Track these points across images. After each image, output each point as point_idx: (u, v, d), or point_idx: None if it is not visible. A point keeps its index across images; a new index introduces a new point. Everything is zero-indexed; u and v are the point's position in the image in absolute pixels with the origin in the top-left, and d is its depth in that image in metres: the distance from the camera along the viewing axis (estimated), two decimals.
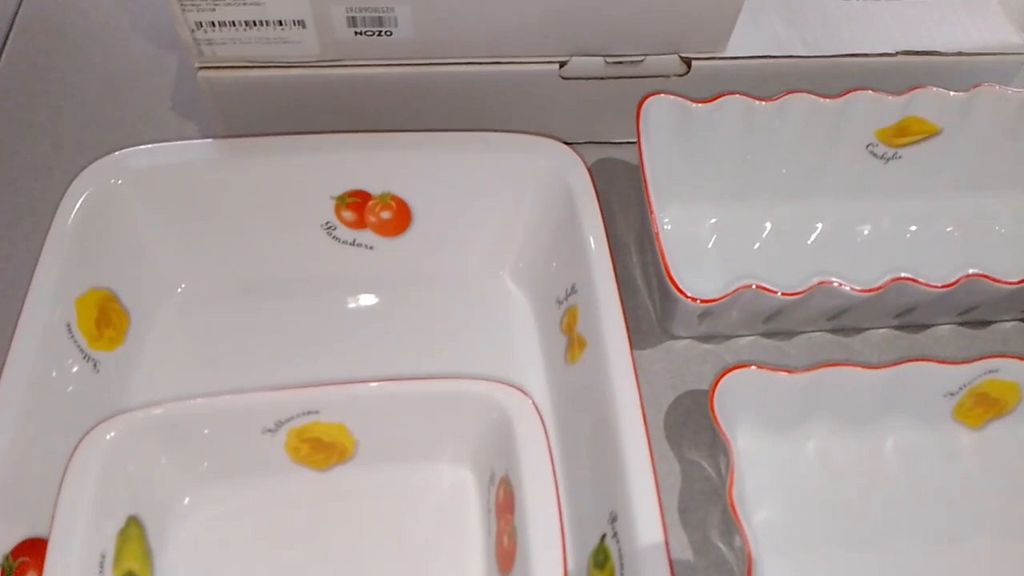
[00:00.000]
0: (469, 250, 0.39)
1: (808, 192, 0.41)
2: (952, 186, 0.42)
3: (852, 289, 0.33)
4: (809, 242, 0.41)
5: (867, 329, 0.39)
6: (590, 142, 0.44)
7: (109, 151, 0.36)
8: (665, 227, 0.40)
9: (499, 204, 0.38)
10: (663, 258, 0.33)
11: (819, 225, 0.41)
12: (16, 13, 0.49)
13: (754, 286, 0.32)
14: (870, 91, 0.38)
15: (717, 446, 0.34)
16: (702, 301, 0.33)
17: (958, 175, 0.41)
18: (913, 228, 0.42)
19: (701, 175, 0.40)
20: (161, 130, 0.44)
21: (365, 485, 0.33)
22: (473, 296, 0.39)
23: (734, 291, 0.32)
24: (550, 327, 0.37)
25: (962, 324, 0.39)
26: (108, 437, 0.29)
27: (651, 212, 0.35)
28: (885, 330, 0.39)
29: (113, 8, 0.49)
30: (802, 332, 0.39)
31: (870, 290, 0.33)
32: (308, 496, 0.33)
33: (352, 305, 0.38)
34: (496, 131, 0.38)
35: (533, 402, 0.31)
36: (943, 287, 0.34)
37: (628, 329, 0.32)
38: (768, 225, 0.41)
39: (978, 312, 0.38)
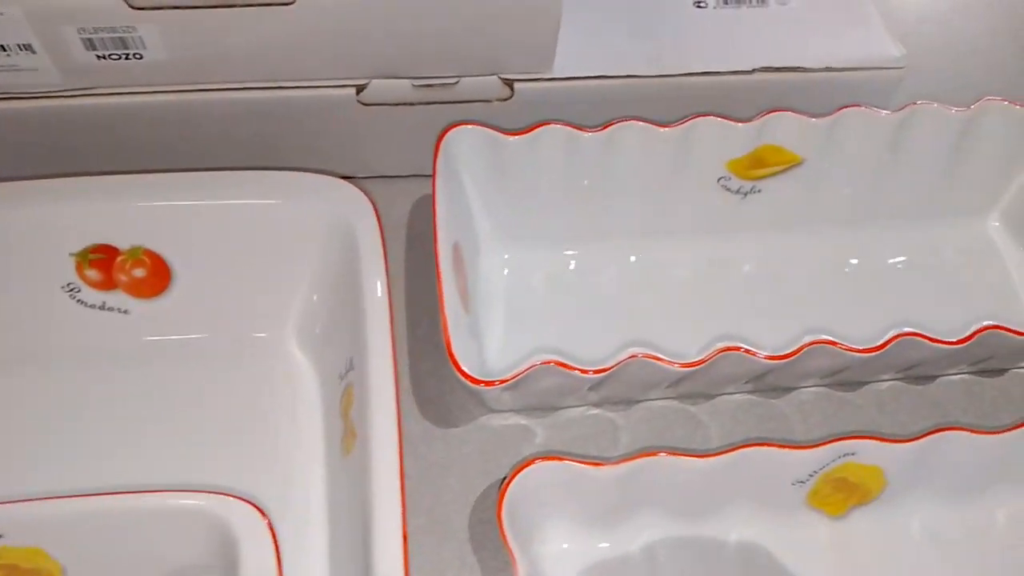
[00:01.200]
0: (242, 312, 0.32)
1: (656, 233, 0.35)
2: (824, 220, 0.36)
3: (679, 366, 0.27)
4: (657, 290, 0.35)
5: (717, 396, 0.33)
6: (416, 175, 0.38)
7: None
8: (483, 278, 0.34)
9: (274, 256, 0.32)
10: (444, 327, 0.27)
11: (670, 270, 0.35)
12: None
13: (553, 363, 0.27)
14: (715, 117, 0.33)
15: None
16: (485, 384, 0.27)
17: (828, 208, 0.36)
18: (781, 268, 0.36)
19: (528, 215, 0.34)
20: None
21: None
22: (249, 369, 0.32)
23: (525, 370, 0.27)
24: (333, 408, 0.31)
25: (831, 386, 0.34)
26: None
27: (438, 275, 0.28)
28: (739, 396, 0.33)
29: None
30: (641, 401, 0.33)
31: (692, 364, 0.27)
32: None
33: (99, 386, 0.32)
34: (268, 169, 0.32)
35: (269, 522, 0.25)
36: (783, 358, 0.28)
37: (400, 421, 0.26)
38: (611, 271, 0.35)
39: (846, 374, 0.32)
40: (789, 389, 0.33)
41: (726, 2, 0.37)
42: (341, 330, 0.31)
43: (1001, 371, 0.34)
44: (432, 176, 0.30)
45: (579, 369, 0.27)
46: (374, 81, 0.34)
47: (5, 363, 0.31)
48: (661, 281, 0.35)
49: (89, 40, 0.31)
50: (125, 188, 0.31)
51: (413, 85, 0.34)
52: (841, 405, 0.33)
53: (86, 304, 0.32)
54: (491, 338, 0.33)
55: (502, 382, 0.26)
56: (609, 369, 0.27)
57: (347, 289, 0.30)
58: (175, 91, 0.33)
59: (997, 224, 0.37)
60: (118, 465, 0.30)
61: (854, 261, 0.36)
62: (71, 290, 0.32)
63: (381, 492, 0.25)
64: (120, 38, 0.31)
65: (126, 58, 0.31)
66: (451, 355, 0.27)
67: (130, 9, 0.30)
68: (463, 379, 0.26)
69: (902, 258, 0.36)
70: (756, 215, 0.35)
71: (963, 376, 0.34)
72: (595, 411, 0.32)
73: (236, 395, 0.32)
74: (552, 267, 0.35)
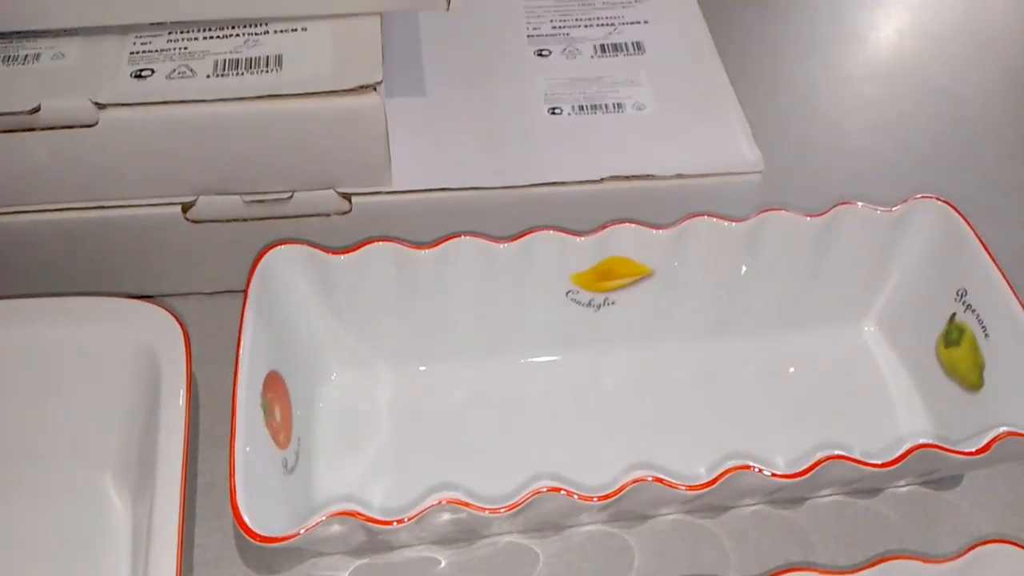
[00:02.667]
0: (51, 444, 0.30)
1: (506, 349, 0.33)
2: (687, 333, 0.34)
3: (489, 510, 0.25)
4: (507, 409, 0.33)
5: (570, 527, 0.31)
6: None
7: None
8: (315, 406, 0.32)
9: (78, 388, 0.29)
10: (232, 472, 0.25)
11: (521, 388, 0.33)
12: None
13: (346, 514, 0.24)
14: (553, 231, 0.31)
15: None
16: (269, 540, 0.24)
17: (688, 318, 0.34)
18: (646, 383, 0.34)
19: (362, 336, 0.32)
20: None
21: None
22: (58, 504, 0.30)
23: (314, 524, 0.24)
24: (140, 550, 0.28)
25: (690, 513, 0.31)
26: None
27: (233, 413, 0.26)
28: (594, 526, 0.31)
29: None
30: (490, 535, 0.30)
31: (512, 506, 0.25)
32: None
33: None
34: (87, 292, 0.30)
35: None
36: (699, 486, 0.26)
37: (180, 566, 0.24)
38: (458, 391, 0.33)
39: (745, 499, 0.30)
40: (646, 517, 0.31)
41: (581, 108, 0.36)
42: (145, 464, 0.28)
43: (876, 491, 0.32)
44: (243, 303, 0.28)
45: (379, 521, 0.24)
46: (202, 198, 0.32)
47: None
48: (511, 400, 0.33)
49: None
50: None
51: (244, 201, 0.32)
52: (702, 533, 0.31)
53: None
54: (322, 470, 0.31)
55: (287, 539, 0.24)
56: (414, 516, 0.24)
57: (149, 419, 0.28)
58: None
59: (872, 329, 0.36)
60: None
61: (721, 373, 0.34)
62: None
63: None
64: None
65: None
66: (235, 508, 0.24)
67: None
68: (244, 535, 0.24)
69: (772, 368, 0.34)
70: (612, 328, 0.33)
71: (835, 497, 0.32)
72: (438, 549, 0.30)
73: (45, 531, 0.29)
74: (392, 389, 0.33)
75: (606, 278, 0.32)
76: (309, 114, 0.29)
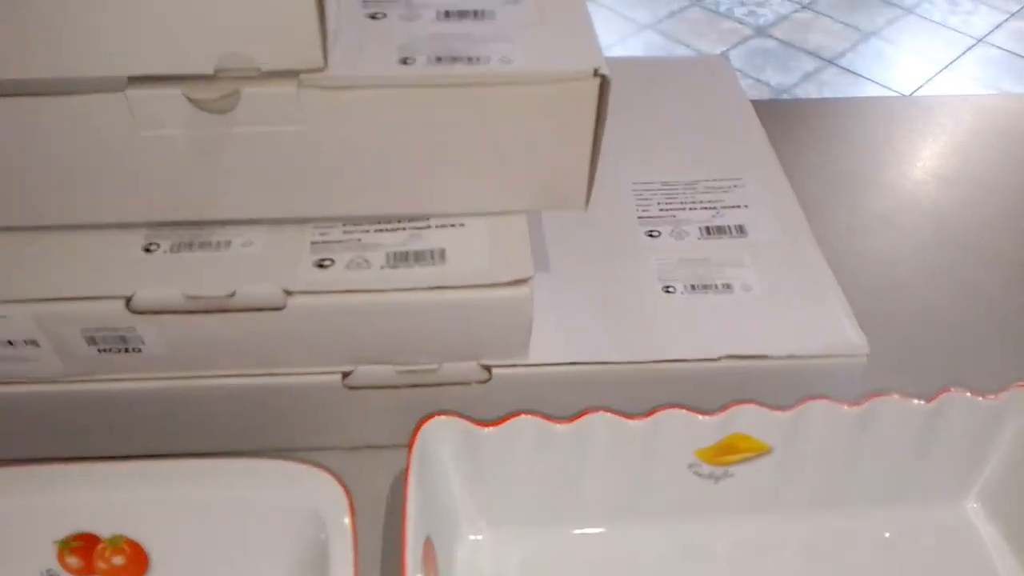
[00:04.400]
0: None
1: (630, 516, 0.36)
2: (799, 505, 0.36)
3: None
4: (632, 573, 0.35)
5: None
6: (398, 445, 0.39)
7: None
8: (457, 567, 0.34)
9: (250, 545, 0.32)
10: None
11: (644, 552, 0.35)
12: None
13: None
14: (681, 409, 0.34)
15: None
16: None
17: (801, 492, 0.36)
18: (758, 552, 0.36)
19: (501, 500, 0.35)
20: None
21: None
22: None
23: None
24: None
25: None
26: None
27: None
28: None
29: None
30: None
31: None
32: None
33: None
34: (246, 455, 0.33)
35: None
36: None
37: None
38: (585, 554, 0.35)
39: None
40: None
41: (693, 288, 0.39)
42: None
43: None
44: (405, 473, 0.31)
45: None
46: (360, 367, 0.36)
47: None
48: (635, 564, 0.35)
49: (91, 337, 0.33)
50: (109, 478, 0.32)
51: (397, 370, 0.36)
52: None
53: None
54: None
55: None
56: None
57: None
58: (169, 379, 0.35)
59: (975, 506, 0.37)
60: None
61: (831, 544, 0.36)
62: None
63: None
64: (121, 336, 0.33)
65: (125, 352, 0.34)
66: None
67: (131, 314, 0.32)
68: None
69: (879, 541, 0.36)
70: (729, 499, 0.36)
71: None
72: None
73: None
74: (525, 551, 0.35)
75: (727, 453, 0.35)
76: (469, 302, 0.33)
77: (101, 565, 0.32)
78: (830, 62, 1.86)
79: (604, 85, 0.31)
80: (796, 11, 2.02)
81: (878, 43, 1.92)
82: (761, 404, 0.34)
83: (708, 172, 0.46)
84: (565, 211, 0.35)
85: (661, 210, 0.44)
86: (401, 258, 0.34)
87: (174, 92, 0.30)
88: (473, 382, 0.37)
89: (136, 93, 0.30)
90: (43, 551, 0.32)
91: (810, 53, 1.89)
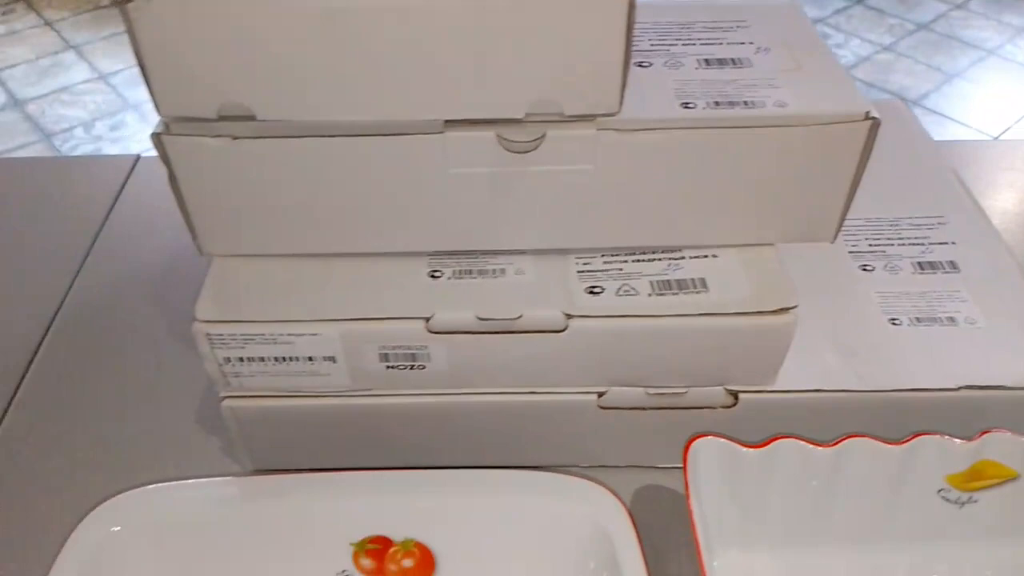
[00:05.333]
0: None
1: (875, 539, 0.37)
2: None
3: None
4: None
5: None
6: (632, 466, 0.41)
7: (122, 477, 0.34)
8: None
9: (533, 555, 0.34)
10: None
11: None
12: (55, 315, 0.49)
13: None
14: (937, 435, 0.35)
15: None
16: None
17: None
18: None
19: (755, 520, 0.37)
20: (182, 451, 0.42)
21: None
22: None
23: None
24: None
25: None
26: None
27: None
28: None
29: (152, 312, 0.49)
30: None
31: None
32: None
33: None
34: (527, 468, 0.36)
35: None
36: None
37: None
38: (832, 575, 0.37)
39: None
40: None
41: (919, 320, 0.41)
42: None
43: None
44: (685, 490, 0.33)
45: None
46: (613, 388, 0.38)
47: None
48: None
49: (385, 354, 0.36)
50: (403, 485, 0.35)
51: (647, 393, 0.38)
52: None
53: None
54: None
55: None
56: None
57: None
58: (443, 395, 0.38)
59: None
60: None
61: None
62: None
63: None
64: (412, 353, 0.36)
65: (411, 368, 0.36)
66: None
67: (428, 333, 0.35)
68: None
69: None
70: (973, 524, 0.37)
71: None
72: None
73: None
74: (778, 569, 0.37)
75: (975, 479, 0.36)
76: (734, 329, 0.35)
77: (391, 567, 0.35)
78: (915, 103, 1.86)
79: (874, 127, 0.34)
80: (876, 52, 2.03)
81: (962, 84, 1.92)
82: (1013, 431, 0.35)
83: (910, 210, 0.47)
84: (812, 243, 0.37)
85: (870, 245, 0.46)
86: (665, 286, 0.36)
87: (488, 135, 0.33)
88: (718, 406, 0.38)
89: (454, 135, 0.33)
90: (340, 552, 0.35)
91: (893, 94, 1.90)
